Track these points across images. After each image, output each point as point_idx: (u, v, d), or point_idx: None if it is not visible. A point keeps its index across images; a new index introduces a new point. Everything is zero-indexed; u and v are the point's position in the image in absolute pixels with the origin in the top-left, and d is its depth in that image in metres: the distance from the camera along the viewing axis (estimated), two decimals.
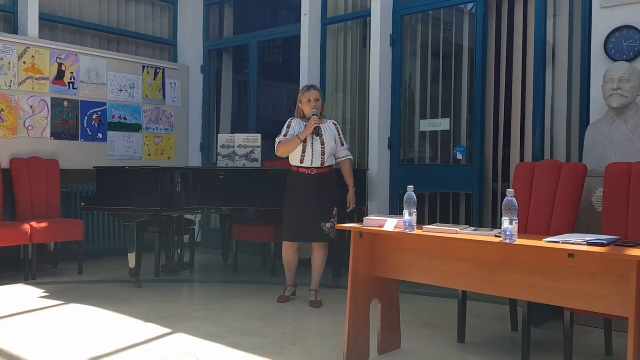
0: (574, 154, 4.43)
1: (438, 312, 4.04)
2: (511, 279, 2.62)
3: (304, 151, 4.12)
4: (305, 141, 4.10)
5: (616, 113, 3.73)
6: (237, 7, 7.17)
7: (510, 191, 2.49)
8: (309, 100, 4.15)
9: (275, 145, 4.22)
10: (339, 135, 4.26)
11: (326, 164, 4.15)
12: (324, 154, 4.12)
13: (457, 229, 2.73)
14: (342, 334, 3.15)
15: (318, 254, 4.23)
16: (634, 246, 2.31)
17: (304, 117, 4.24)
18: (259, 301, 4.27)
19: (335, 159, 4.25)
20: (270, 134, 7.26)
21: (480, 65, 4.79)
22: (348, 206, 4.27)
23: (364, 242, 3.00)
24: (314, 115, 4.09)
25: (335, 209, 4.19)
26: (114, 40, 6.55)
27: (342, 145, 4.26)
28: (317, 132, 4.09)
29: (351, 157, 4.33)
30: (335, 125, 4.28)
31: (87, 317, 3.82)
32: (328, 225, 4.12)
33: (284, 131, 4.22)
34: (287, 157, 4.22)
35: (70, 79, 5.82)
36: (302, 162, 4.13)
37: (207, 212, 5.48)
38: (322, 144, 4.12)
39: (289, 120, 4.28)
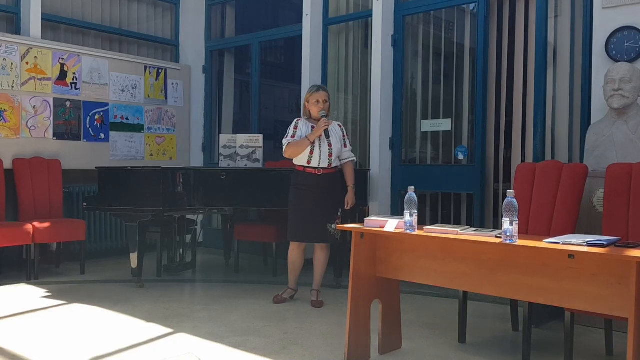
0: (575, 154, 4.44)
1: (439, 312, 4.05)
2: (511, 280, 2.62)
3: (311, 152, 4.11)
4: (312, 142, 4.11)
5: (617, 114, 3.73)
6: (239, 7, 7.18)
7: (510, 192, 2.50)
8: (317, 101, 4.14)
9: (283, 147, 4.20)
10: (344, 136, 4.27)
11: (332, 165, 4.16)
12: (331, 156, 4.13)
13: (458, 230, 2.74)
14: (343, 333, 3.16)
15: (320, 255, 4.25)
16: (634, 247, 2.32)
17: (310, 118, 4.24)
18: (261, 301, 4.28)
19: (340, 160, 4.26)
20: (271, 134, 7.28)
21: (482, 66, 4.79)
22: (346, 206, 4.25)
23: (364, 242, 3.00)
24: (322, 117, 4.09)
25: (340, 210, 4.20)
26: (116, 40, 6.57)
27: (346, 146, 4.26)
28: (326, 133, 4.09)
29: (354, 158, 4.34)
30: (340, 126, 4.29)
31: (89, 317, 3.84)
32: (333, 226, 4.13)
33: (290, 132, 4.19)
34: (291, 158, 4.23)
35: (73, 79, 5.83)
36: (309, 162, 4.13)
37: (209, 212, 5.49)
38: (330, 145, 4.12)
39: (295, 120, 4.27)
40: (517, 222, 2.46)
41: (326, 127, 4.07)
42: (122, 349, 3.17)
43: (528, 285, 2.57)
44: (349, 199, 4.25)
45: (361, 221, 3.18)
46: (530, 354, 3.01)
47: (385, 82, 5.29)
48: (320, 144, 4.12)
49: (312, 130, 4.13)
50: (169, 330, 3.52)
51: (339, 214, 4.18)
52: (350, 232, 3.03)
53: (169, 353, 3.10)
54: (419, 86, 5.46)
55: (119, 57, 6.26)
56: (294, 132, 4.18)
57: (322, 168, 4.13)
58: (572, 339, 2.95)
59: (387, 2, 5.31)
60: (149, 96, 6.51)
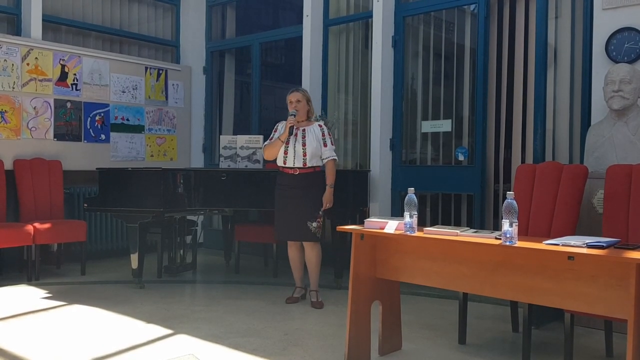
0: (575, 155, 4.44)
1: (439, 313, 4.05)
2: (511, 281, 2.63)
3: (286, 152, 4.19)
4: (288, 142, 4.15)
5: (617, 115, 3.73)
6: (240, 8, 7.19)
7: (510, 193, 2.50)
8: (290, 102, 4.23)
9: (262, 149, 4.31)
10: (324, 136, 4.23)
11: (308, 165, 4.17)
12: (305, 155, 4.15)
13: (458, 231, 2.74)
14: (343, 334, 3.16)
15: (310, 254, 4.26)
16: (634, 248, 2.32)
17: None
18: (261, 302, 4.28)
19: (322, 160, 4.25)
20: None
21: (482, 67, 4.80)
22: (322, 206, 4.18)
23: (365, 243, 3.01)
24: (290, 115, 4.15)
25: (322, 208, 4.19)
26: (116, 41, 6.57)
27: (325, 146, 4.21)
28: (290, 131, 4.13)
29: (335, 158, 4.23)
30: (321, 127, 4.27)
31: (89, 317, 3.84)
32: (314, 224, 4.13)
33: (271, 135, 4.31)
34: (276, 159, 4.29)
35: (73, 80, 5.84)
36: (285, 162, 4.21)
37: (209, 213, 5.49)
38: (304, 145, 4.16)
39: (277, 124, 4.36)
40: (517, 223, 2.47)
41: (291, 125, 4.11)
42: (123, 350, 3.17)
43: (528, 286, 2.58)
44: (325, 199, 4.18)
45: (361, 222, 3.18)
46: (530, 355, 3.01)
47: (385, 83, 5.30)
48: (295, 144, 4.17)
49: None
50: (170, 331, 3.53)
51: (320, 213, 4.17)
52: (350, 233, 3.04)
53: (169, 354, 3.10)
54: (419, 87, 5.46)
55: (119, 58, 6.27)
56: (273, 135, 4.30)
57: (298, 168, 4.17)
58: (572, 340, 2.95)
59: (388, 3, 5.31)
60: (149, 97, 6.52)
